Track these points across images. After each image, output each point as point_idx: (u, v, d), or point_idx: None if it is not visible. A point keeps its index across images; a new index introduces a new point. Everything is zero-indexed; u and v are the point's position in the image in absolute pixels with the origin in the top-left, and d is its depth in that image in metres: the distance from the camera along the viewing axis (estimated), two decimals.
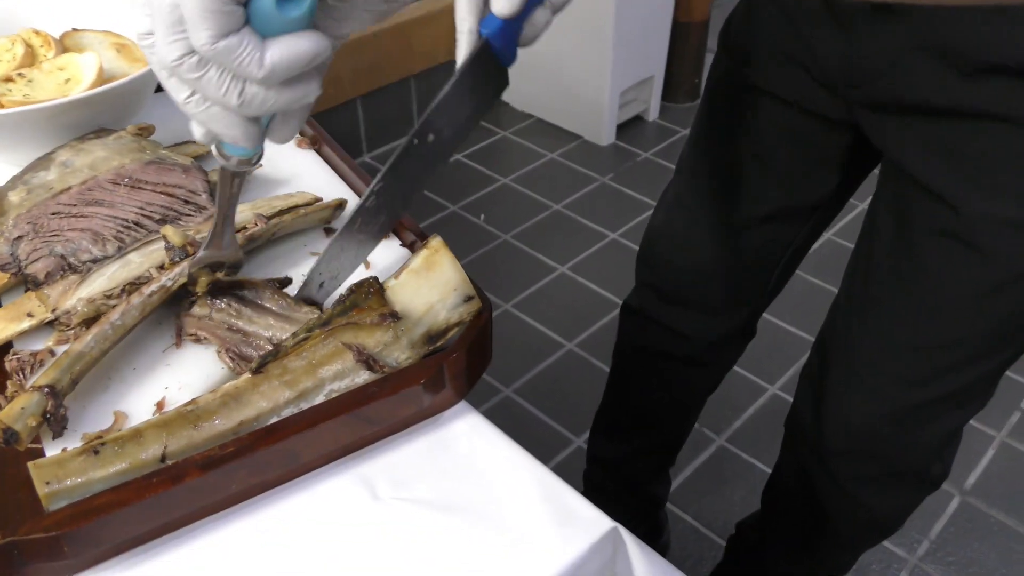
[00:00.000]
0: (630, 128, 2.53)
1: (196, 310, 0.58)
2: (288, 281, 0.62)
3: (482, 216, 2.16)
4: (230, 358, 0.56)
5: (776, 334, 1.80)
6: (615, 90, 2.35)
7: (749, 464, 1.54)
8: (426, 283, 0.57)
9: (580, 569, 0.49)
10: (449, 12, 0.52)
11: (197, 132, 0.47)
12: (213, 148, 0.49)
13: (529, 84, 2.50)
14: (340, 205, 0.70)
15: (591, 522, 0.51)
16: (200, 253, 0.58)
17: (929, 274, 0.75)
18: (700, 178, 0.94)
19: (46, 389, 0.51)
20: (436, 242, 0.59)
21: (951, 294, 0.74)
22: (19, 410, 0.50)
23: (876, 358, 0.82)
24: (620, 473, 1.29)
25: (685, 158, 0.97)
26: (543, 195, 2.24)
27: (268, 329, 0.58)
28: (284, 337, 0.56)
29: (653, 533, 1.37)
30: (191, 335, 0.58)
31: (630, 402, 1.23)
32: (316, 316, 0.56)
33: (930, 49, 0.66)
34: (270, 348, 0.56)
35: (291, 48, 0.39)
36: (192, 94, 0.42)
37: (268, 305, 0.59)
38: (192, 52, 0.39)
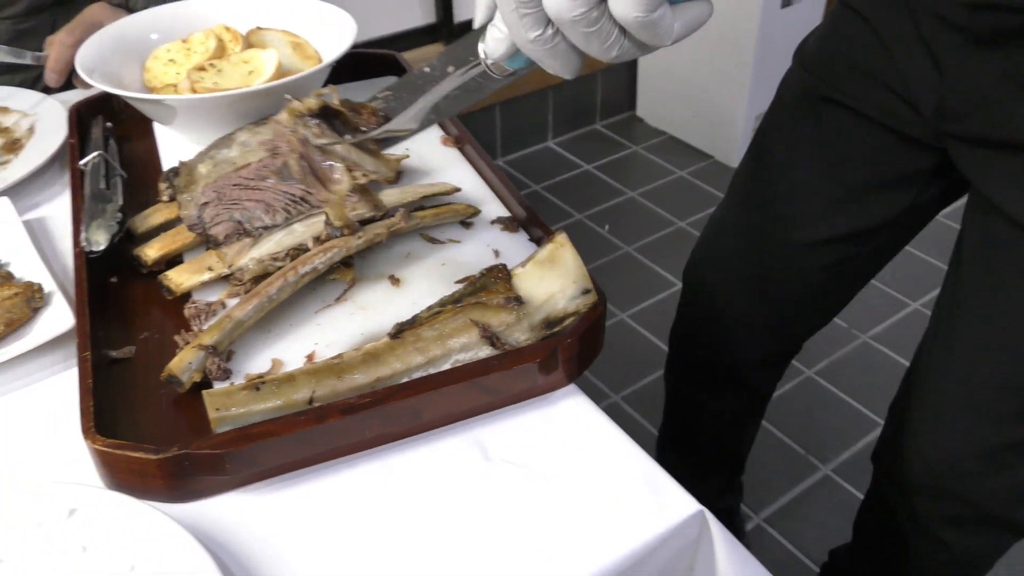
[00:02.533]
0: None
1: (284, 117, 0.60)
2: (386, 119, 0.58)
3: (607, 227, 2.21)
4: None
5: (893, 369, 1.77)
6: (751, 112, 2.35)
7: (853, 495, 1.52)
8: (549, 274, 0.63)
9: (665, 543, 0.54)
10: None
11: (495, 48, 0.46)
12: (486, 60, 0.47)
13: (664, 101, 2.53)
14: (476, 213, 0.76)
15: (679, 502, 0.55)
16: (389, 124, 0.56)
17: (1015, 310, 0.74)
18: (752, 199, 0.93)
19: (210, 348, 0.60)
20: (561, 238, 0.65)
21: None
22: (187, 364, 0.59)
23: (961, 394, 0.81)
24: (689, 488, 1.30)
25: (739, 177, 0.96)
26: (669, 211, 2.27)
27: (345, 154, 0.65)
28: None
29: None
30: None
31: (685, 421, 1.24)
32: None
33: None
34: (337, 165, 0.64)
35: (694, 20, 0.40)
36: (543, 33, 0.41)
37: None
38: (592, 8, 0.39)
